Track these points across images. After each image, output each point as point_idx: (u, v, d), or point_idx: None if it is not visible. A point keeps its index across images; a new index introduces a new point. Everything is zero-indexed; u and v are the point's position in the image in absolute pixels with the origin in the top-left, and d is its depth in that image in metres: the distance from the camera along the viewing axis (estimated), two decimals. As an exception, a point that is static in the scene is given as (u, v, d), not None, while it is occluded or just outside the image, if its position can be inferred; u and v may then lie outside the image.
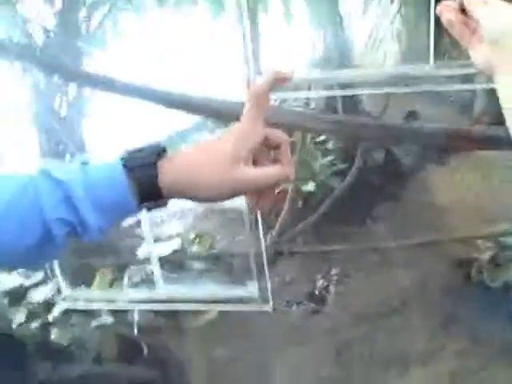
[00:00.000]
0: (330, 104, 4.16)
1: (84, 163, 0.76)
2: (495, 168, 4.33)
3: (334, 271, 3.53)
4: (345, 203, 3.79)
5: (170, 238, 3.54)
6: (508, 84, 0.86)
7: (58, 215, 0.73)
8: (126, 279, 2.76)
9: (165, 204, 0.77)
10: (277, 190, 0.82)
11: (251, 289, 1.97)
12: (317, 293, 3.43)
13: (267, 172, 0.76)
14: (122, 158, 0.74)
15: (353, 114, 4.06)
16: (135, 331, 2.51)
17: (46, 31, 2.94)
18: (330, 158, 4.15)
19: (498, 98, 0.84)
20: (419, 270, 3.51)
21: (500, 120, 0.85)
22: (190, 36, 3.15)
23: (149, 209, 0.77)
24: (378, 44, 3.72)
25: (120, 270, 3.00)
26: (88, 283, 2.89)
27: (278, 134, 0.79)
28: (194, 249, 3.55)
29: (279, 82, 0.78)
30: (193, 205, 3.89)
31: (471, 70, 1.18)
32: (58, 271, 2.19)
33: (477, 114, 4.77)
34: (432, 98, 5.05)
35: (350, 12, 3.63)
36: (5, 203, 0.73)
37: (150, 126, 3.34)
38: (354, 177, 3.80)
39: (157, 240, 3.45)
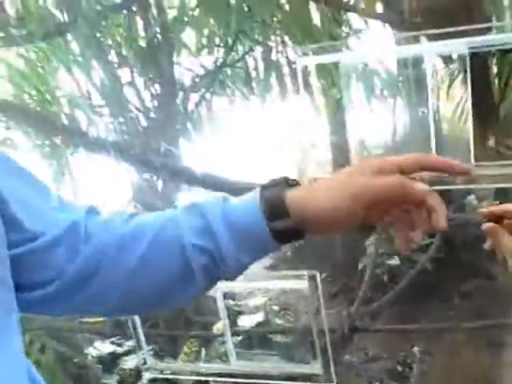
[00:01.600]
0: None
1: (225, 198, 0.77)
2: None
3: (417, 348, 3.49)
4: (431, 278, 3.76)
5: (255, 310, 3.66)
6: None
7: (196, 241, 0.74)
8: (203, 352, 2.90)
9: (300, 234, 0.75)
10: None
11: (315, 366, 2.05)
12: (399, 370, 3.40)
13: (388, 178, 0.72)
14: (260, 190, 0.76)
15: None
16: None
17: (147, 113, 3.20)
18: (415, 232, 4.14)
19: None
20: (507, 350, 3.39)
21: None
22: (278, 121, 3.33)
23: (285, 238, 0.75)
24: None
25: (205, 342, 3.14)
26: (175, 354, 3.06)
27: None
28: (278, 321, 3.64)
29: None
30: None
31: None
32: (144, 342, 2.36)
33: None
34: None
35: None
36: (152, 236, 0.76)
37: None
38: (441, 252, 3.77)
39: (242, 312, 3.59)
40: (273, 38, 3.15)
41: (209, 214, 0.75)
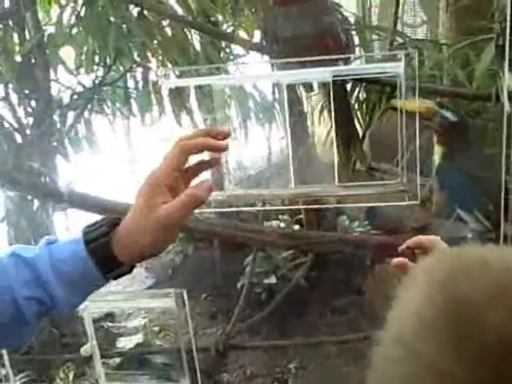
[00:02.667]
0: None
1: (50, 242, 0.81)
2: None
3: (292, 364, 3.61)
4: (306, 296, 3.92)
5: (134, 330, 3.62)
6: None
7: (27, 294, 0.76)
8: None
9: (128, 270, 0.84)
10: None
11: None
12: (275, 386, 3.49)
13: (178, 200, 0.81)
14: (83, 233, 0.81)
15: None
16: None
17: (23, 131, 3.08)
18: (292, 250, 4.31)
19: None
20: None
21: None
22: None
23: (115, 277, 0.83)
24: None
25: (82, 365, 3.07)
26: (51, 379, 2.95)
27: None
28: (158, 342, 3.62)
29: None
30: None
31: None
32: (10, 371, 2.27)
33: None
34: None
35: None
36: None
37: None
38: (315, 269, 3.95)
39: (122, 334, 3.54)
40: (153, 59, 3.19)
41: (38, 265, 0.77)
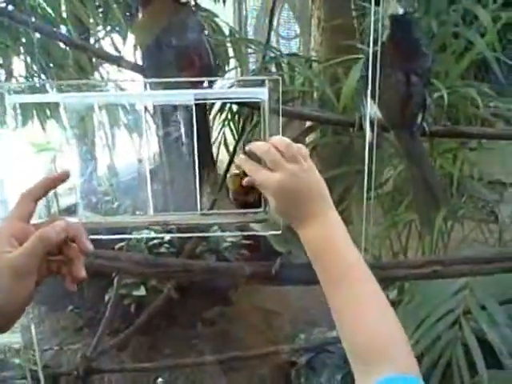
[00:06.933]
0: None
1: None
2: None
3: (160, 379, 3.54)
4: (175, 308, 3.85)
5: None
6: None
7: None
8: None
9: None
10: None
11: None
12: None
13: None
14: None
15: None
16: None
17: None
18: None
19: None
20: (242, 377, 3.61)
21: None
22: None
23: None
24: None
25: None
26: None
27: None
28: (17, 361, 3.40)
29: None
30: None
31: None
32: None
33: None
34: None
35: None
36: None
37: None
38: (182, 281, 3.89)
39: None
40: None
41: None
